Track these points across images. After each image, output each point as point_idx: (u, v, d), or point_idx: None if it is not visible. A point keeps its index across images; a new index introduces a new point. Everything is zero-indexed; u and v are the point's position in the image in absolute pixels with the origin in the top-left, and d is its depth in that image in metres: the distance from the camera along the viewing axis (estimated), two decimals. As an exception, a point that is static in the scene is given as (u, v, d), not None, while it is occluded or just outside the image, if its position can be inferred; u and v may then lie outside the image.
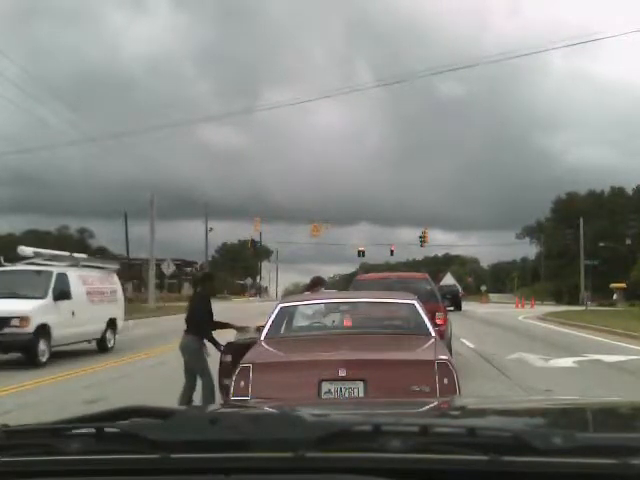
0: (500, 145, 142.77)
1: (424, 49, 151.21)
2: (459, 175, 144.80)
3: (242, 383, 4.91)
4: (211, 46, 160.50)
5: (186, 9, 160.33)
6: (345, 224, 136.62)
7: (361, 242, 72.33)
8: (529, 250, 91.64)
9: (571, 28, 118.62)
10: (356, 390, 4.83)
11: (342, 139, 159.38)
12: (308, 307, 6.97)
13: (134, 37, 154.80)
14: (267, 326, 6.13)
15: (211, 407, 2.76)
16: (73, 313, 14.47)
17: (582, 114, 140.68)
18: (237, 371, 5.03)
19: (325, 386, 4.86)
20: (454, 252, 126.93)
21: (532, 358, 13.35)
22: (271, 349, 5.73)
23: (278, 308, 6.41)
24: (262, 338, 5.96)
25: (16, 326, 12.70)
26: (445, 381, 4.80)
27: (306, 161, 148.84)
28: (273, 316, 6.25)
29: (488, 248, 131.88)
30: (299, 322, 6.79)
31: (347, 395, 4.80)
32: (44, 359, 13.21)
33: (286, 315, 6.51)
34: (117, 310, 17.17)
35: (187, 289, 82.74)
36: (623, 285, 60.52)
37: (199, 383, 7.62)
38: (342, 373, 4.83)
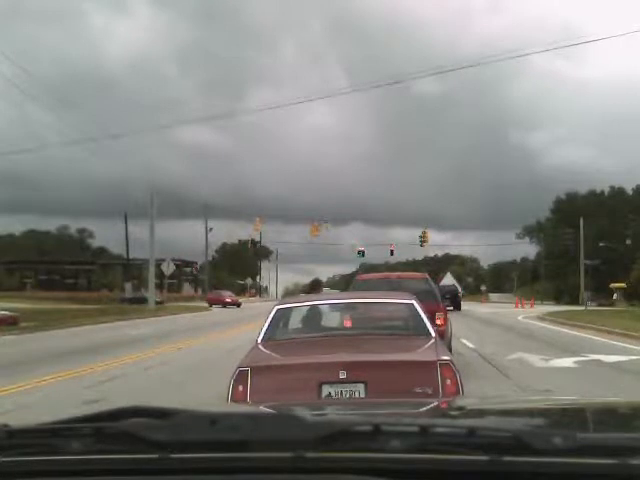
0: (497, 145, 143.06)
1: (418, 48, 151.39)
2: (457, 175, 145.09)
3: (240, 387, 4.81)
4: (197, 46, 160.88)
5: (175, 9, 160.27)
6: (345, 224, 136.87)
7: (361, 242, 72.22)
8: (529, 250, 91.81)
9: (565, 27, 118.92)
10: (357, 392, 4.76)
11: (339, 139, 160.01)
12: (306, 308, 6.84)
13: (136, 39, 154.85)
14: (264, 328, 6.00)
15: (211, 407, 2.76)
16: None
17: (580, 114, 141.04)
18: (235, 375, 4.92)
19: (325, 389, 4.79)
20: (454, 252, 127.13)
21: (532, 358, 13.33)
22: (269, 352, 5.63)
23: (275, 309, 6.27)
24: (259, 340, 5.84)
25: None
26: (448, 382, 4.73)
27: (304, 161, 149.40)
28: (270, 318, 6.12)
29: (488, 248, 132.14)
30: (297, 324, 6.66)
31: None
32: None
33: (283, 317, 6.37)
34: None
35: (187, 289, 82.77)
36: (623, 285, 60.54)
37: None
38: (342, 375, 4.76)
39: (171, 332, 22.71)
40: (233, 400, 4.80)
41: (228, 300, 52.34)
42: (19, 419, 3.81)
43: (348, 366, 4.83)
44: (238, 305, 50.60)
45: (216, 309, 46.69)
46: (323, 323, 6.82)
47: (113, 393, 9.60)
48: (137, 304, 47.00)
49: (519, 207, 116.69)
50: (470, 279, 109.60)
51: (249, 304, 56.84)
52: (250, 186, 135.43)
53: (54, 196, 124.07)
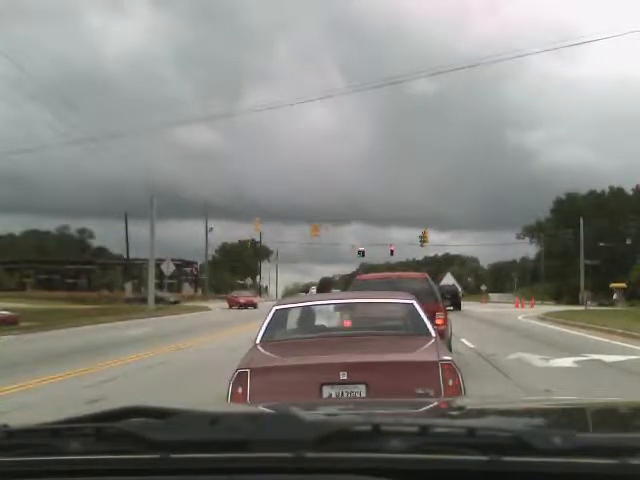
0: (497, 145, 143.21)
1: (416, 49, 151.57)
2: (457, 175, 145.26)
3: (240, 389, 4.76)
4: (196, 46, 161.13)
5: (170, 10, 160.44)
6: (345, 224, 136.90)
7: (361, 242, 72.22)
8: (529, 250, 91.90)
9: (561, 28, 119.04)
10: (358, 394, 4.73)
11: (339, 139, 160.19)
12: (305, 309, 6.78)
13: (135, 40, 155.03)
14: (263, 328, 5.94)
15: (211, 407, 2.76)
16: None
17: (579, 114, 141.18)
18: (234, 377, 4.86)
19: (326, 390, 4.75)
20: (454, 252, 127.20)
21: (532, 358, 13.33)
22: (269, 353, 5.57)
23: (273, 310, 6.20)
24: (258, 341, 5.78)
25: None
26: (450, 382, 4.70)
27: (304, 162, 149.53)
28: (269, 318, 6.06)
29: (488, 248, 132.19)
30: (296, 324, 6.60)
31: None
32: None
33: (282, 317, 6.29)
34: None
35: (187, 289, 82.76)
36: (623, 285, 60.57)
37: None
38: (343, 376, 4.72)
39: (171, 332, 22.71)
40: (232, 402, 4.74)
41: (242, 301, 50.28)
42: (19, 419, 3.81)
43: (349, 367, 4.80)
44: (255, 306, 48.37)
45: (217, 309, 46.66)
46: (323, 323, 6.76)
47: (113, 393, 9.61)
48: (140, 304, 47.09)
49: (519, 207, 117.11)
50: (470, 279, 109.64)
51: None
52: (250, 186, 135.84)
53: (54, 196, 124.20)
